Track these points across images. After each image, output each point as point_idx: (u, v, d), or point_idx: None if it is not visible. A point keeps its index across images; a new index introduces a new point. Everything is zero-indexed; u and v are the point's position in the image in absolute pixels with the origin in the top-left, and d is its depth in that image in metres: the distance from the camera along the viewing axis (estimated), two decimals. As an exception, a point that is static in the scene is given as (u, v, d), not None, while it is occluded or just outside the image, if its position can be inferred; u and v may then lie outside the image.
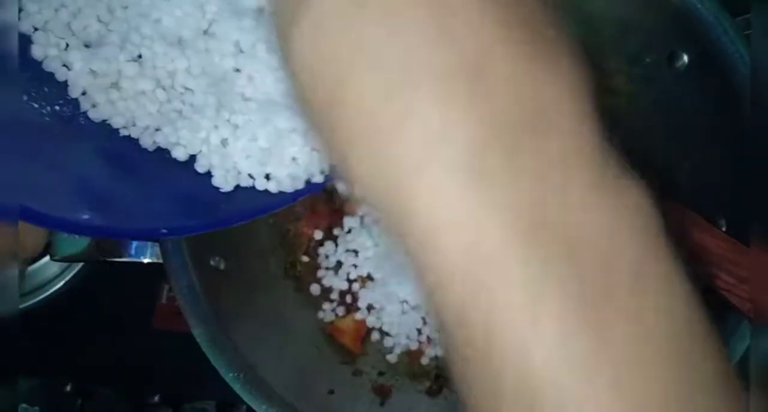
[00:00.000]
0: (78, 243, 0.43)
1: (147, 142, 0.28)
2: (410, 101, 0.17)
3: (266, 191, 0.29)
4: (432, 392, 0.47)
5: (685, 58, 0.43)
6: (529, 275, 0.16)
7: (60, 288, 0.56)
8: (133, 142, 0.28)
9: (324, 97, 0.18)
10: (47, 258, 0.52)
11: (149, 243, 0.42)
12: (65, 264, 0.56)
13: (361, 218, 0.49)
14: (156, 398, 0.54)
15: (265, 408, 0.39)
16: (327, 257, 0.49)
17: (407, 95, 0.17)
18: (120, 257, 0.43)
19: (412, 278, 0.18)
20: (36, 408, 0.52)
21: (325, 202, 0.50)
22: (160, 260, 0.41)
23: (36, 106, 0.27)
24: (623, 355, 0.15)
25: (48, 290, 0.56)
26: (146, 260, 0.43)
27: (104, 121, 0.28)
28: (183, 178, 0.28)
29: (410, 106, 0.17)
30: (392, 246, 0.18)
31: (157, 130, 0.29)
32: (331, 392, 0.44)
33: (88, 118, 0.28)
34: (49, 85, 0.28)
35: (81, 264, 0.56)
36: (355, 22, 0.18)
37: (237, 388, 0.40)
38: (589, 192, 0.16)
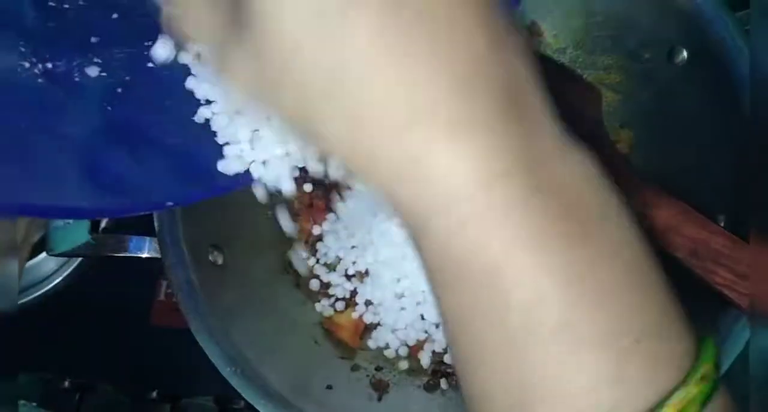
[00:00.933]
0: (75, 238, 0.43)
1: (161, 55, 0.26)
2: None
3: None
4: (429, 388, 0.47)
5: (685, 53, 0.43)
6: (525, 215, 0.18)
7: (57, 284, 0.56)
8: (133, 106, 0.27)
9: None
10: (44, 254, 0.52)
11: (148, 238, 0.42)
12: (62, 260, 0.56)
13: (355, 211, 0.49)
14: (154, 394, 0.54)
15: (263, 403, 0.39)
16: (326, 252, 0.49)
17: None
18: (119, 252, 0.42)
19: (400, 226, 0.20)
20: (34, 403, 0.52)
21: (322, 199, 0.50)
22: (159, 255, 0.41)
23: (27, 65, 0.25)
24: (592, 276, 0.19)
25: (45, 286, 0.56)
26: (144, 255, 0.43)
27: (100, 73, 0.26)
28: (182, 147, 0.27)
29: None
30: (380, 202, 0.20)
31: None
32: (329, 387, 0.44)
33: (83, 72, 0.26)
34: (39, 37, 0.26)
35: (78, 260, 0.56)
36: None
37: (235, 383, 0.39)
38: (559, 151, 0.19)
